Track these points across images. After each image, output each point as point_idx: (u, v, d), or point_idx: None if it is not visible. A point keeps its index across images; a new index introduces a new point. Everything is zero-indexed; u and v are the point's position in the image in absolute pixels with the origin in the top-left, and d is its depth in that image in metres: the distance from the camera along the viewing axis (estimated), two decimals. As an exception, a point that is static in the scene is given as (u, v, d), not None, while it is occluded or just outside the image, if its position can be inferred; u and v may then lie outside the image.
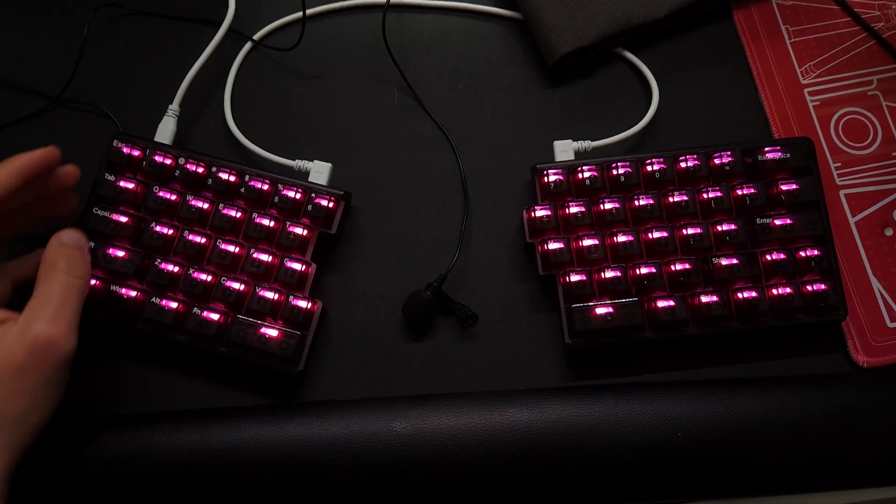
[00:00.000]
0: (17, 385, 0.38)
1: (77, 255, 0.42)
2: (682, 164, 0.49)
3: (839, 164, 0.53)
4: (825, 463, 0.46)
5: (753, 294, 0.47)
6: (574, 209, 0.49)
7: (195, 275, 0.47)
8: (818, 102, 0.54)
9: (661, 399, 0.47)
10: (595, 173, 0.49)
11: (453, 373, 0.50)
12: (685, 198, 0.49)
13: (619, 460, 0.45)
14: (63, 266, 0.41)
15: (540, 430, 0.46)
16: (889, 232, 0.52)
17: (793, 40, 0.56)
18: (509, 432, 0.46)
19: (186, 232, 0.48)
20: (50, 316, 0.39)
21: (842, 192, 0.52)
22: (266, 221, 0.48)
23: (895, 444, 0.46)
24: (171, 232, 0.48)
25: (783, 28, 0.56)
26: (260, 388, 0.49)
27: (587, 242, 0.48)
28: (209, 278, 0.47)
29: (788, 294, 0.47)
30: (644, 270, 0.48)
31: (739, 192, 0.49)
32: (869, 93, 0.55)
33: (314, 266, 0.49)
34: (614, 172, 0.49)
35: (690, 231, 0.48)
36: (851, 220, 0.52)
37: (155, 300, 0.47)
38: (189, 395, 0.49)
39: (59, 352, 0.39)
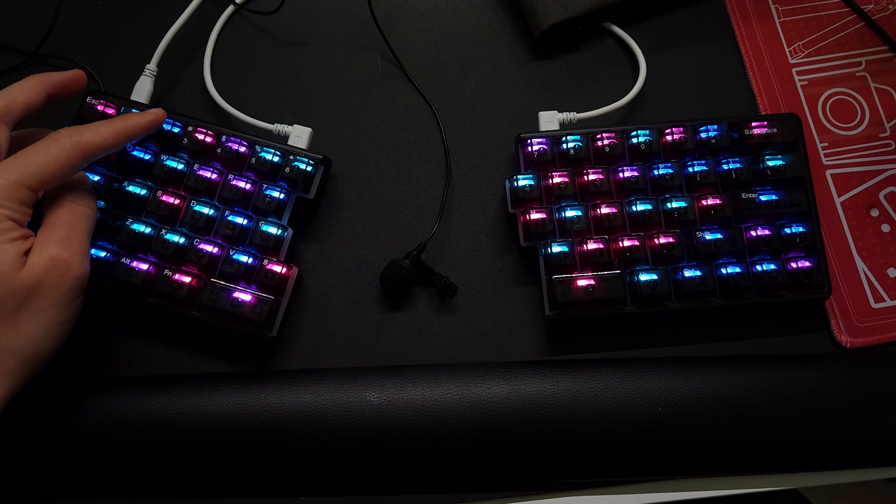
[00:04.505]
0: (36, 304, 0.38)
1: (81, 187, 0.42)
2: (668, 137, 0.49)
3: (826, 144, 0.52)
4: (806, 443, 0.45)
5: (737, 269, 0.47)
6: (558, 179, 0.48)
7: (167, 236, 0.46)
8: (806, 82, 0.54)
9: (641, 374, 0.46)
10: (580, 144, 0.49)
11: (431, 344, 0.49)
12: (670, 171, 0.48)
13: (597, 435, 0.44)
14: (69, 196, 0.41)
15: (517, 403, 0.45)
16: (875, 213, 0.51)
17: (782, 20, 0.55)
18: (486, 405, 0.45)
19: (160, 192, 0.47)
20: (62, 239, 0.39)
21: (828, 172, 0.52)
22: (242, 183, 0.47)
23: (876, 427, 0.45)
24: (143, 192, 0.47)
25: (772, 7, 0.56)
26: (232, 355, 0.48)
27: (570, 213, 0.47)
28: (182, 240, 0.46)
29: (772, 270, 0.47)
30: (627, 243, 0.47)
31: (725, 167, 0.48)
32: (857, 74, 0.54)
33: (290, 231, 0.47)
34: (599, 143, 0.49)
35: (675, 204, 0.48)
36: (837, 201, 0.51)
37: (125, 261, 0.45)
38: (159, 361, 0.48)
39: (74, 273, 0.39)
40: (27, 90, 0.43)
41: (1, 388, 0.37)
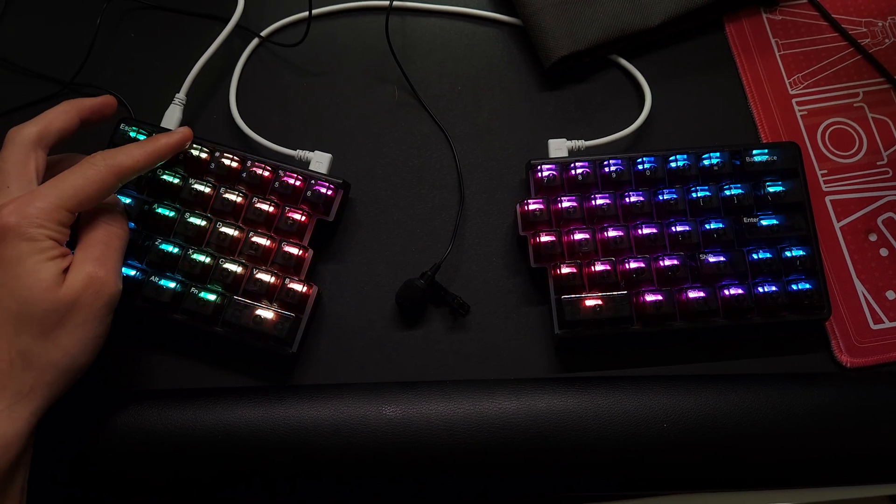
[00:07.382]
0: (73, 320, 0.40)
1: (114, 209, 0.45)
2: (673, 164, 0.51)
3: (825, 171, 0.55)
4: (807, 459, 0.46)
5: (739, 291, 0.48)
6: (566, 204, 0.50)
7: (194, 256, 0.48)
8: (805, 112, 0.56)
9: (646, 391, 0.47)
10: (587, 170, 0.51)
11: (444, 361, 0.50)
12: (674, 196, 0.50)
13: (604, 449, 0.46)
14: (103, 217, 0.44)
15: (527, 419, 0.46)
16: (873, 237, 0.53)
17: (782, 53, 0.58)
18: (497, 420, 0.46)
19: (187, 214, 0.49)
20: (98, 258, 0.42)
21: (827, 199, 0.54)
22: (266, 206, 0.49)
23: (875, 444, 0.47)
24: (172, 214, 0.49)
25: (773, 41, 0.58)
26: (253, 370, 0.50)
27: (578, 236, 0.49)
28: (208, 259, 0.48)
29: (774, 291, 0.48)
30: (633, 265, 0.49)
31: (727, 192, 0.50)
32: (855, 104, 0.56)
33: (311, 251, 0.50)
34: (606, 170, 0.51)
35: (679, 228, 0.49)
36: (837, 226, 0.53)
37: (154, 279, 0.48)
38: (184, 375, 0.50)
39: (109, 290, 0.41)
40: (62, 115, 0.45)
41: (39, 399, 0.39)
